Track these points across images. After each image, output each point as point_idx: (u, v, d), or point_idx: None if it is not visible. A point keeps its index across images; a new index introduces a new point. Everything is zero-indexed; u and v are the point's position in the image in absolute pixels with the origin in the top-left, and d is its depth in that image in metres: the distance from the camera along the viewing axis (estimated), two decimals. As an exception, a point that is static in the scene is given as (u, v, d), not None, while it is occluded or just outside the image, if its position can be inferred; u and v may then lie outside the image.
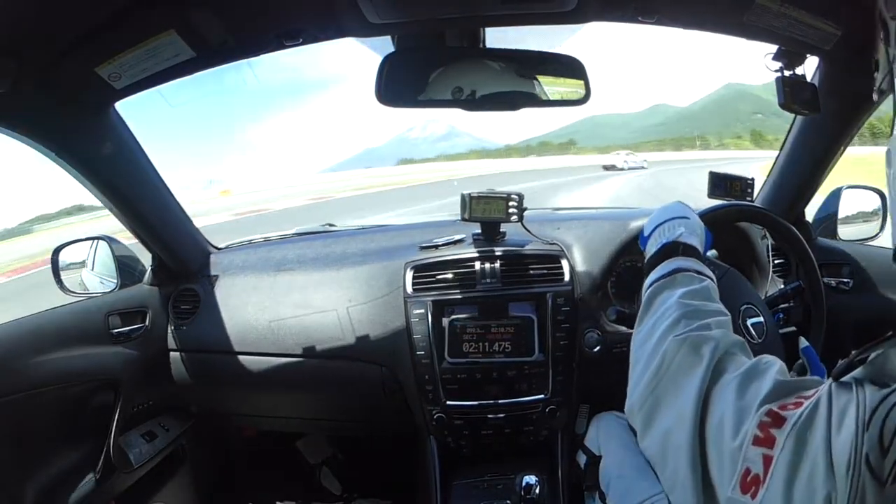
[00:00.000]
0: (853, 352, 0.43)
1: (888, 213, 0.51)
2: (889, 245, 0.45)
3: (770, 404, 0.44)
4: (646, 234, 0.80)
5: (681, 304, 0.60)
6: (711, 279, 0.66)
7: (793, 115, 1.11)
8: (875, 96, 0.52)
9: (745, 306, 0.90)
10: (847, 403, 0.40)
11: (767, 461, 0.42)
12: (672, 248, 0.71)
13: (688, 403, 0.50)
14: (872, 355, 0.42)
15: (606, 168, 24.58)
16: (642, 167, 24.99)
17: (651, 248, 0.76)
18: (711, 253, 0.97)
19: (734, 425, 0.45)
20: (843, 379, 0.42)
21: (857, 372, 0.43)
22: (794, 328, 1.04)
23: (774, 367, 0.49)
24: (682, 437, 0.49)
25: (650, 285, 0.67)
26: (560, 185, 15.99)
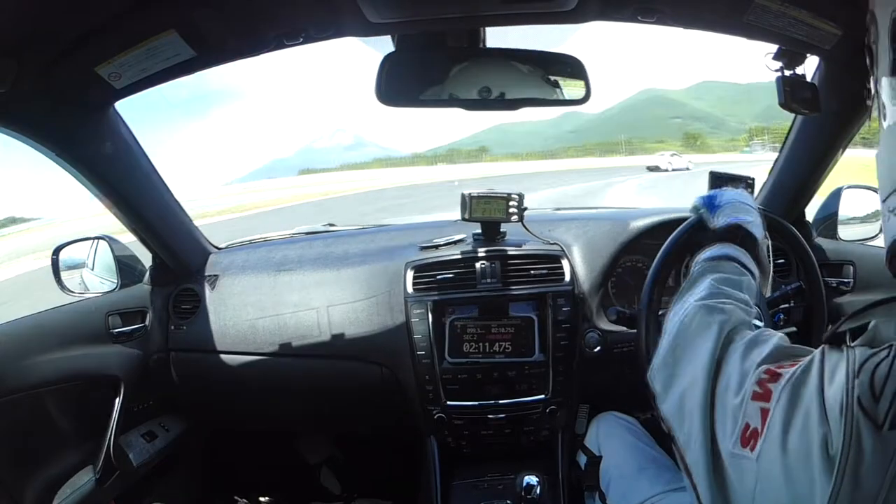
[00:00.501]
0: (842, 318, 0.46)
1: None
2: None
3: (769, 364, 0.48)
4: (717, 202, 0.82)
5: (712, 286, 0.65)
6: (753, 275, 0.70)
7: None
8: (869, 102, 0.51)
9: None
10: (838, 361, 0.42)
11: (764, 414, 0.45)
12: (734, 232, 0.75)
13: (701, 367, 0.53)
14: (868, 327, 0.44)
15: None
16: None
17: (718, 220, 0.79)
18: None
19: (737, 385, 0.49)
20: (834, 341, 0.45)
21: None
22: (794, 329, 1.04)
23: (776, 337, 0.53)
24: (696, 400, 0.52)
25: (700, 262, 0.72)
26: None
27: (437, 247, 1.26)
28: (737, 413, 0.47)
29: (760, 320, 0.93)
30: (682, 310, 0.63)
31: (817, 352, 0.45)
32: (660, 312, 0.90)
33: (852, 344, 0.43)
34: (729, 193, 0.83)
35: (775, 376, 0.46)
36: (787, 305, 1.06)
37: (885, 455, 0.38)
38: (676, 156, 29.53)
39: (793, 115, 1.13)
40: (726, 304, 0.61)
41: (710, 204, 0.84)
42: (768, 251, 1.18)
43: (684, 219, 0.96)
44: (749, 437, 0.45)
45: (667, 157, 27.12)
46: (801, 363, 0.46)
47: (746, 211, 0.79)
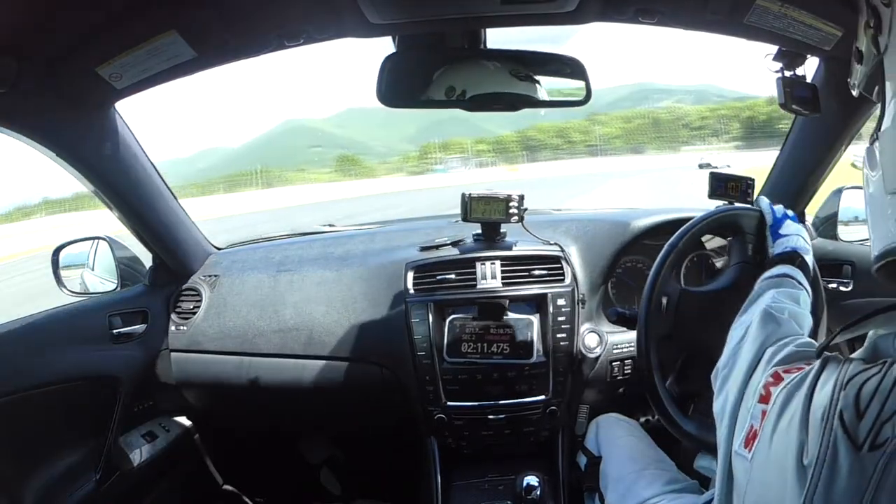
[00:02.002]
0: (837, 329, 0.46)
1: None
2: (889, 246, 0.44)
3: (778, 367, 0.49)
4: (783, 231, 0.90)
5: (773, 297, 0.70)
6: (807, 291, 0.76)
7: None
8: (854, 92, 0.51)
9: None
10: (833, 372, 0.42)
11: (763, 416, 0.46)
12: (794, 256, 0.83)
13: (743, 367, 0.55)
14: (866, 340, 0.44)
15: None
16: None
17: (782, 244, 0.87)
18: None
19: (755, 387, 0.50)
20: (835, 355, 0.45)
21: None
22: None
23: (799, 340, 0.55)
24: (733, 396, 0.53)
25: (763, 280, 0.78)
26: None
27: (437, 247, 1.26)
28: (746, 415, 0.48)
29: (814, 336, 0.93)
30: (748, 319, 0.66)
31: (818, 360, 0.45)
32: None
33: (852, 356, 0.43)
34: (794, 226, 0.91)
35: (778, 380, 0.47)
36: None
37: (861, 477, 0.36)
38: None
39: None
40: (783, 315, 0.63)
41: (774, 231, 0.91)
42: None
43: (684, 219, 0.96)
44: (750, 438, 0.46)
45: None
46: (805, 369, 0.46)
47: (805, 242, 0.87)
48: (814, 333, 1.00)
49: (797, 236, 0.89)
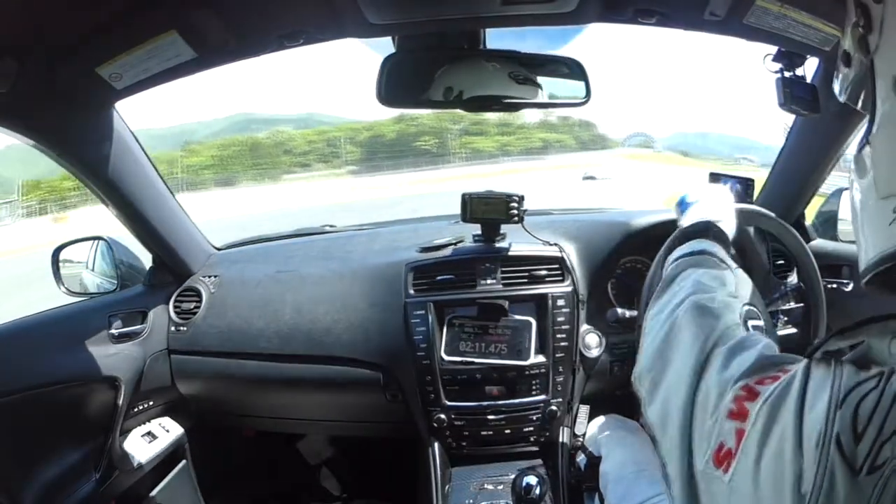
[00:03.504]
0: (830, 330, 0.43)
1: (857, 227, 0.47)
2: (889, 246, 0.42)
3: (747, 379, 0.44)
4: (689, 200, 0.84)
5: (696, 283, 0.62)
6: (731, 269, 0.68)
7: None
8: (841, 99, 0.48)
9: (747, 307, 0.90)
10: (823, 381, 0.39)
11: (740, 435, 0.42)
12: (705, 229, 0.75)
13: (685, 370, 0.51)
14: (859, 343, 0.41)
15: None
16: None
17: (688, 215, 0.80)
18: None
19: (715, 397, 0.46)
20: (822, 357, 0.42)
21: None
22: (794, 330, 1.04)
23: (761, 343, 0.50)
24: (678, 404, 0.49)
25: (676, 259, 0.70)
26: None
27: (436, 248, 1.26)
28: (711, 430, 0.44)
29: (758, 319, 0.93)
30: (663, 311, 0.60)
31: (801, 366, 0.42)
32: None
33: (843, 358, 0.40)
34: (703, 190, 0.84)
35: (753, 395, 0.43)
36: (786, 307, 1.06)
37: (859, 502, 0.35)
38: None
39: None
40: (716, 305, 0.58)
41: (681, 203, 0.85)
42: (768, 252, 1.18)
43: None
44: (723, 458, 0.43)
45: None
46: (781, 379, 0.42)
47: (717, 210, 0.80)
48: (813, 336, 1.01)
49: (705, 202, 0.81)
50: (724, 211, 0.81)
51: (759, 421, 0.41)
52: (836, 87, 0.48)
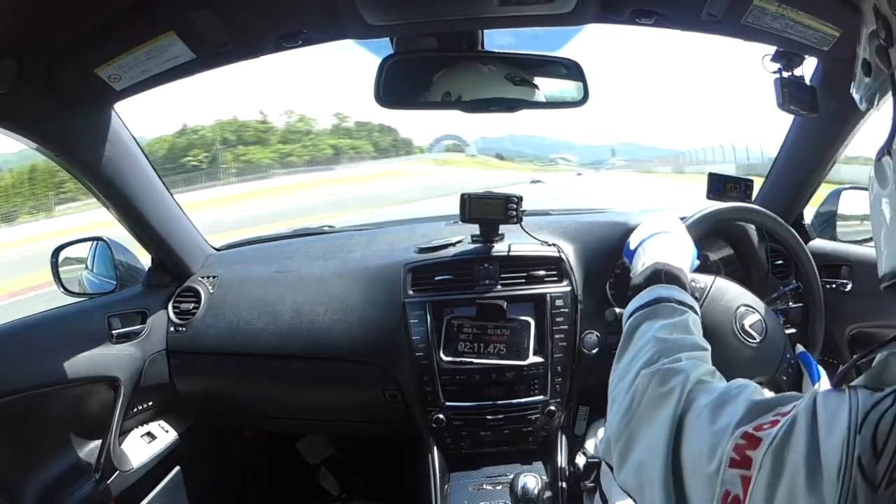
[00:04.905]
0: (854, 356, 0.43)
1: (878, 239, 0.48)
2: None
3: (745, 426, 0.43)
4: (631, 247, 0.80)
5: (657, 340, 0.60)
6: (693, 308, 0.66)
7: None
8: (863, 106, 0.48)
9: (739, 308, 0.90)
10: (838, 407, 0.39)
11: (746, 482, 0.41)
12: (654, 274, 0.71)
13: (661, 434, 0.50)
14: (874, 361, 0.41)
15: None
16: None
17: (636, 266, 0.76)
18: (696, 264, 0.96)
19: (710, 450, 0.45)
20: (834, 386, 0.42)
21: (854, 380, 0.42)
22: (793, 330, 1.04)
23: (747, 390, 0.49)
24: (656, 468, 0.49)
25: (631, 314, 0.67)
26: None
27: (435, 248, 1.26)
28: (713, 481, 0.43)
29: (754, 314, 0.92)
30: (627, 375, 0.59)
31: (802, 403, 0.41)
32: None
33: (854, 383, 0.40)
34: (640, 230, 0.79)
35: (754, 442, 0.42)
36: (785, 307, 1.06)
37: None
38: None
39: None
40: (680, 362, 0.55)
41: (626, 252, 0.80)
42: (767, 252, 1.18)
43: (682, 218, 0.96)
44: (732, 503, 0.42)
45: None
46: (783, 421, 0.41)
47: (657, 246, 0.75)
48: (812, 336, 1.01)
49: (650, 244, 0.75)
50: (671, 245, 0.76)
51: (765, 466, 0.40)
52: (856, 95, 0.48)
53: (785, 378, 0.89)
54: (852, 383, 0.41)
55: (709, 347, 0.61)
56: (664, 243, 0.76)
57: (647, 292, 0.68)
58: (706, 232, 0.91)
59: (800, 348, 0.94)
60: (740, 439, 0.43)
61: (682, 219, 0.89)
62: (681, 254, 0.75)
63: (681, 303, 0.66)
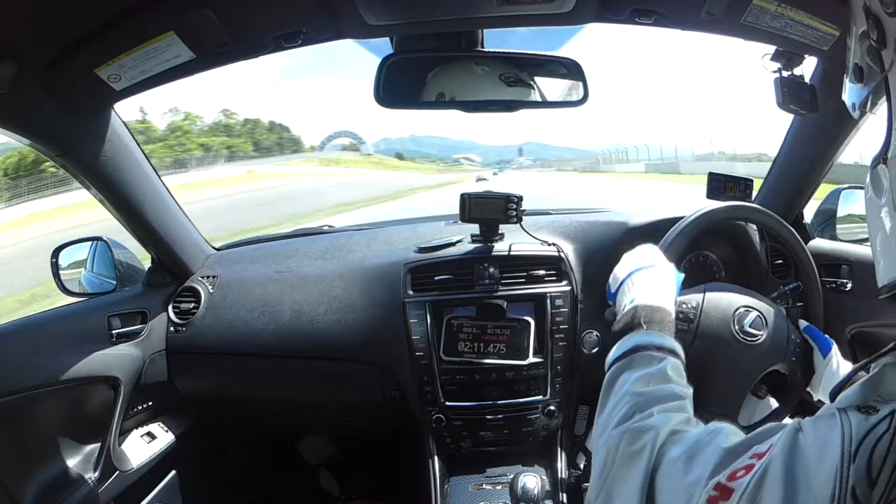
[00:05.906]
0: (852, 367, 0.42)
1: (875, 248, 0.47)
2: None
3: (717, 477, 0.42)
4: (612, 290, 0.79)
5: (633, 395, 0.59)
6: (673, 351, 0.64)
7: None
8: (856, 114, 0.46)
9: (737, 312, 0.90)
10: (828, 435, 0.38)
11: None
12: (632, 319, 0.69)
13: (633, 493, 0.49)
14: (871, 370, 0.40)
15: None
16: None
17: (619, 307, 0.74)
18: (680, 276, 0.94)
19: (684, 502, 0.44)
20: (824, 411, 0.41)
21: (843, 397, 0.41)
22: (791, 305, 1.04)
23: (720, 436, 0.48)
24: None
25: (611, 364, 0.67)
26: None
27: (435, 248, 1.26)
28: None
29: (752, 311, 0.92)
30: (606, 431, 0.58)
31: (781, 443, 0.40)
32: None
33: (843, 403, 0.39)
34: (621, 268, 0.78)
35: (726, 493, 0.41)
36: (785, 306, 1.06)
37: None
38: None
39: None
40: (651, 417, 0.55)
41: (608, 294, 0.79)
42: (767, 252, 1.18)
43: (681, 218, 0.96)
44: None
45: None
46: (757, 466, 0.40)
47: (637, 285, 0.73)
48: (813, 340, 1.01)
49: (630, 277, 0.74)
50: (650, 280, 0.74)
51: None
52: (848, 102, 0.46)
53: (794, 359, 0.89)
54: (840, 405, 0.40)
55: (688, 393, 0.60)
56: (643, 280, 0.74)
57: (625, 340, 0.67)
58: (714, 229, 0.90)
59: (804, 323, 0.93)
60: (713, 491, 0.42)
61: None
62: (661, 286, 0.73)
63: (660, 348, 0.64)
